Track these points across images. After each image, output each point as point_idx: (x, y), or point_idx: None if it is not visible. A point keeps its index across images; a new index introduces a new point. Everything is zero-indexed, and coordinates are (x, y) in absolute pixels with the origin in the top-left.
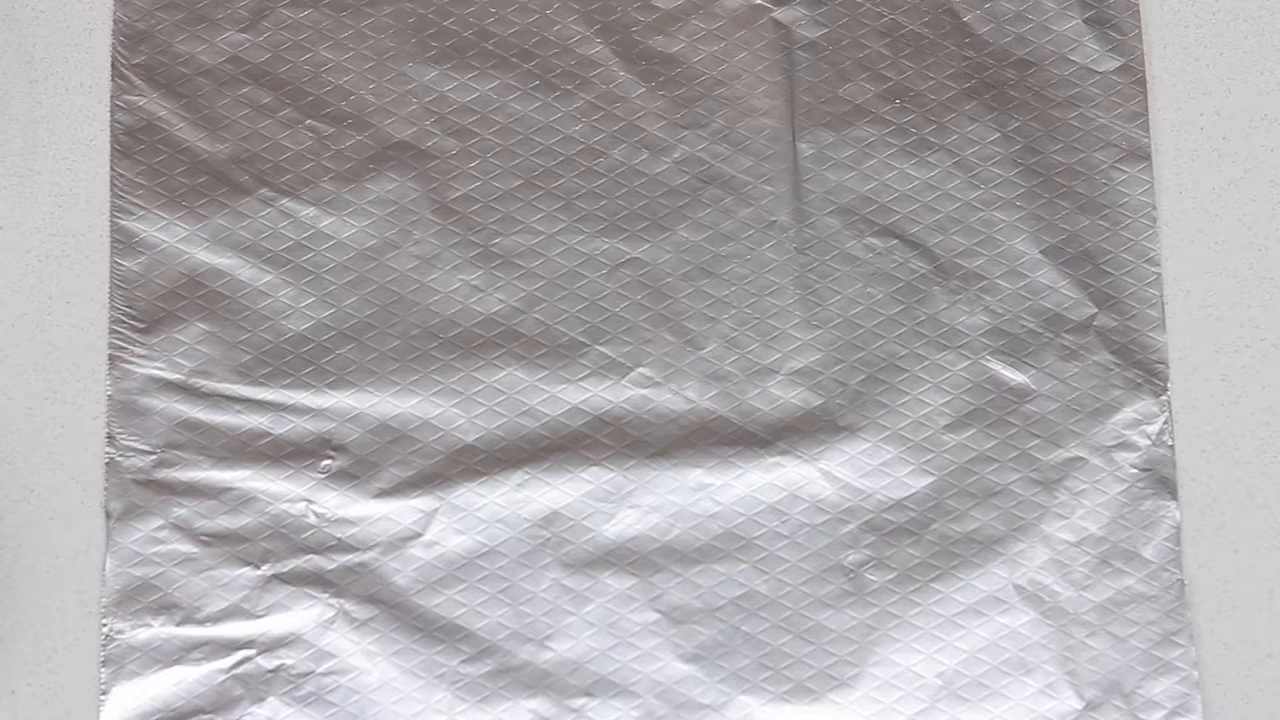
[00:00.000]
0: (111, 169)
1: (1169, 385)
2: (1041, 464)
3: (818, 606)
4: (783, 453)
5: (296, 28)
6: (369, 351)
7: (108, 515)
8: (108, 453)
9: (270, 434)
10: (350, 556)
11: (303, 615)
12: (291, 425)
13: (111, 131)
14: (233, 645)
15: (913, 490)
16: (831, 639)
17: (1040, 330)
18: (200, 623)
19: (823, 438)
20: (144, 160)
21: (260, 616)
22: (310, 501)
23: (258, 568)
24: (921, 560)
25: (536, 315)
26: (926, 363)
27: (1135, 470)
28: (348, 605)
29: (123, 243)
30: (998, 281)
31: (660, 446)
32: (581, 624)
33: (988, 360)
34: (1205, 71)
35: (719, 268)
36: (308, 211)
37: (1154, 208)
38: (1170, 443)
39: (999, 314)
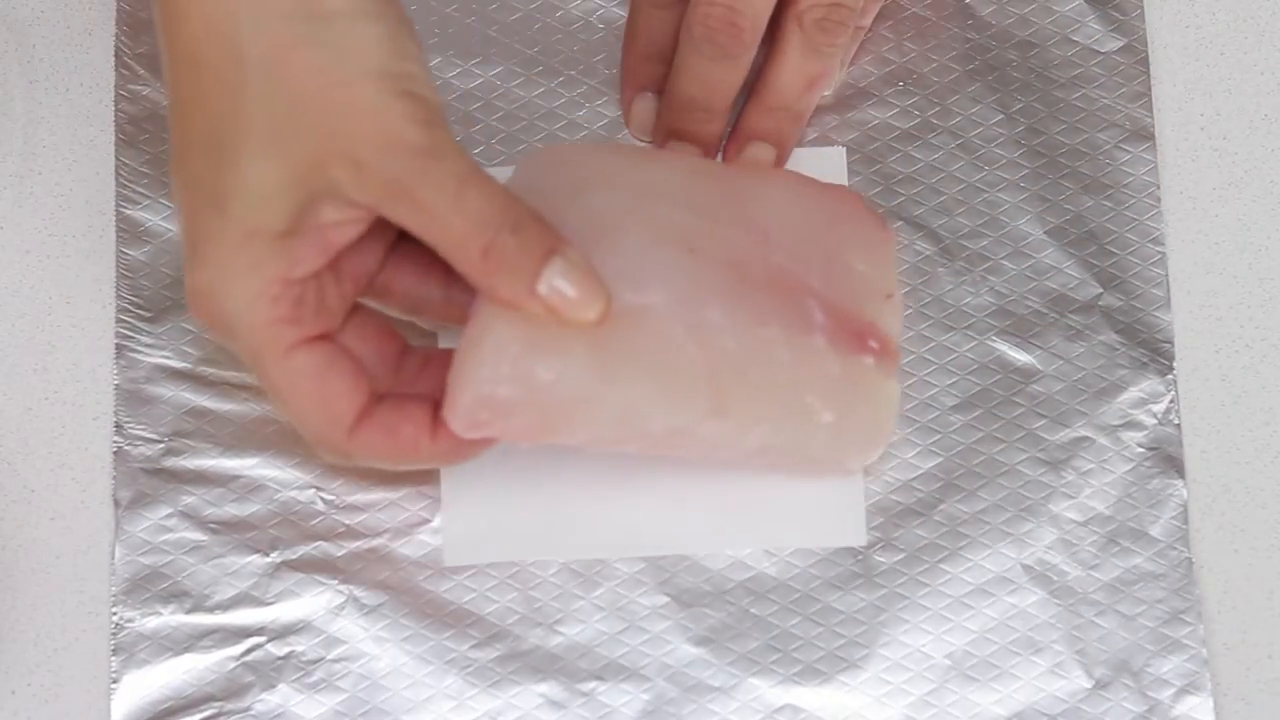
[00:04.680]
0: (116, 159)
1: (1175, 364)
2: (1048, 444)
3: (826, 588)
4: None
5: None
6: None
7: (116, 504)
8: (115, 442)
9: (277, 421)
10: (359, 543)
11: (312, 602)
12: None
13: (116, 121)
14: (243, 632)
15: (920, 471)
16: (840, 620)
17: (1046, 310)
18: (210, 610)
19: None
20: (148, 149)
21: (270, 603)
22: (319, 488)
23: (267, 555)
24: (929, 541)
25: None
26: (932, 344)
27: (1142, 449)
28: (357, 591)
29: (128, 232)
30: (1003, 262)
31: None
32: (591, 608)
33: (993, 341)
34: (1205, 71)
35: None
36: None
37: (1157, 187)
38: (1176, 421)
39: (1004, 295)
